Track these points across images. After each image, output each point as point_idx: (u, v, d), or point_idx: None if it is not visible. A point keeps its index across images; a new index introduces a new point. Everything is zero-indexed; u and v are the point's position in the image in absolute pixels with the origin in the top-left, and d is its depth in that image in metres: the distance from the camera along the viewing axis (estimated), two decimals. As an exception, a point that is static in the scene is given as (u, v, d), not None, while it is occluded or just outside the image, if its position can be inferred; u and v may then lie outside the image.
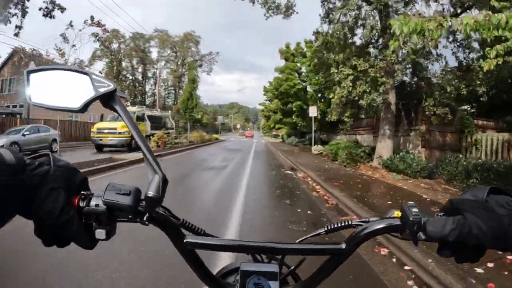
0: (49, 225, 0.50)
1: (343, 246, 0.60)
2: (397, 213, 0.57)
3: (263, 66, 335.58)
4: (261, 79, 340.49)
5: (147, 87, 59.31)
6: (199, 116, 53.20)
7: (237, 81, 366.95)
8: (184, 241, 0.61)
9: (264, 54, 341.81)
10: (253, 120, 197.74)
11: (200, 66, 61.30)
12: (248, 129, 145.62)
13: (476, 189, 0.55)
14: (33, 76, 0.57)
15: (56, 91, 0.57)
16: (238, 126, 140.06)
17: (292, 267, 0.68)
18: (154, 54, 58.72)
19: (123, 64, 53.16)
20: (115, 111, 0.57)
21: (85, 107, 0.56)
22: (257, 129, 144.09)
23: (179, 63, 59.45)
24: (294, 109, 27.81)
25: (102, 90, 0.56)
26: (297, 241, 0.67)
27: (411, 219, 0.53)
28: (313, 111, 20.49)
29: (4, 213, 0.46)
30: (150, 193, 0.52)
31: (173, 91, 60.98)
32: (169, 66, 59.79)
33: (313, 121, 21.27)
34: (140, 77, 56.60)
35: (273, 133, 61.08)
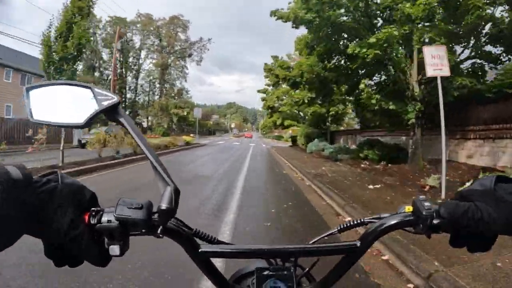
0: (58, 244, 0.49)
1: (358, 243, 0.60)
2: (408, 208, 0.58)
3: (262, 66, 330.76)
4: (261, 79, 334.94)
5: (129, 79, 52.06)
6: (174, 111, 48.10)
7: (237, 82, 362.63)
8: (199, 250, 0.61)
9: (264, 54, 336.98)
10: (251, 121, 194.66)
11: (190, 56, 53.98)
12: (246, 129, 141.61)
13: (483, 178, 0.55)
14: (32, 92, 0.56)
15: (58, 106, 0.56)
16: (233, 125, 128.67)
17: (307, 269, 0.68)
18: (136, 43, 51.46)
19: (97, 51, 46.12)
20: (120, 124, 0.55)
21: (89, 122, 0.55)
22: (256, 129, 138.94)
23: (164, 51, 52.09)
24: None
25: (105, 103, 0.54)
26: (311, 242, 0.67)
27: (424, 213, 0.53)
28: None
29: (11, 232, 0.44)
30: (163, 205, 0.51)
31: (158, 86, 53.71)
32: (153, 56, 52.77)
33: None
34: (119, 69, 49.12)
35: (275, 133, 53.08)
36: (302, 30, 12.69)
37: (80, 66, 16.90)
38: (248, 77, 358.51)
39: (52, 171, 0.52)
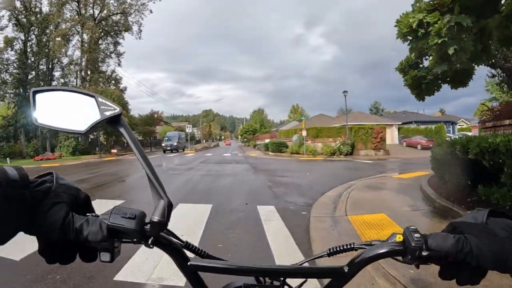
0: (52, 240, 0.52)
1: (346, 269, 0.61)
2: (399, 237, 0.59)
3: (240, 75, 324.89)
4: (238, 88, 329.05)
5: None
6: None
7: (215, 91, 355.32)
8: (188, 263, 0.62)
9: (241, 63, 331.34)
10: (230, 129, 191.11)
11: (127, 30, 41.54)
12: (223, 137, 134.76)
13: (476, 211, 0.57)
14: (39, 96, 0.58)
15: (62, 112, 0.58)
16: (196, 134, 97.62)
17: None
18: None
19: None
20: (121, 134, 0.58)
21: (91, 130, 0.57)
22: (235, 137, 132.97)
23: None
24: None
25: (107, 113, 0.57)
26: (299, 263, 0.68)
27: (413, 244, 0.55)
28: None
29: (8, 228, 0.47)
30: (156, 218, 0.54)
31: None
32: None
33: None
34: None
35: (266, 140, 43.50)
36: None
37: None
38: (227, 86, 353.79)
39: (48, 173, 0.55)
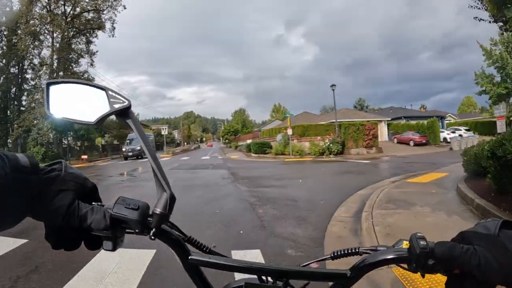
0: (57, 226, 0.53)
1: (348, 273, 0.60)
2: (406, 244, 0.57)
3: (221, 76, 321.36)
4: (219, 90, 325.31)
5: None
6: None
7: (197, 93, 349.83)
8: (189, 258, 0.62)
9: (221, 64, 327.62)
10: (212, 131, 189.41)
11: (100, 28, 38.01)
12: (205, 139, 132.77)
13: (488, 221, 0.54)
14: (52, 88, 0.60)
15: (73, 104, 0.59)
16: (177, 137, 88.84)
17: None
18: None
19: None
20: (129, 126, 0.59)
21: (100, 122, 0.58)
22: (217, 139, 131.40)
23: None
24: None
25: (117, 106, 0.57)
26: (303, 264, 0.67)
27: (418, 251, 0.53)
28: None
29: (17, 212, 0.49)
30: (158, 210, 0.55)
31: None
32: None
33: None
34: None
35: (248, 141, 40.51)
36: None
37: None
38: (208, 88, 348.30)
39: (58, 161, 0.56)
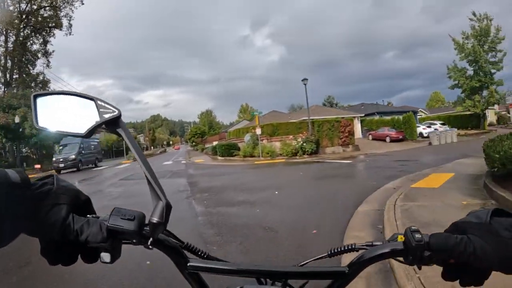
0: (53, 242, 0.52)
1: (346, 270, 0.61)
2: (401, 237, 0.58)
3: (187, 78, 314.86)
4: (186, 92, 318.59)
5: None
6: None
7: (163, 96, 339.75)
8: (188, 264, 0.62)
9: (188, 66, 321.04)
10: (179, 133, 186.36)
11: (57, 26, 35.37)
12: (172, 142, 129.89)
13: (479, 211, 0.55)
14: (39, 100, 0.59)
15: (62, 115, 0.59)
16: (142, 141, 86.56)
17: None
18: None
19: None
20: (120, 136, 0.58)
21: (90, 132, 0.57)
22: (185, 142, 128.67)
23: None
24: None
25: (106, 116, 0.57)
26: (300, 264, 0.67)
27: (413, 244, 0.54)
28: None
29: (9, 230, 0.48)
30: (154, 219, 0.54)
31: None
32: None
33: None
34: None
35: (215, 143, 37.58)
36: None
37: None
38: (174, 90, 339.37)
39: (49, 175, 0.56)
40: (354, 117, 36.01)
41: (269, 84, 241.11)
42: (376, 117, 40.99)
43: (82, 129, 0.57)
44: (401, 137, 29.49)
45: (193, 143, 65.29)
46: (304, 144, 22.19)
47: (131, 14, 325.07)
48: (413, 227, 0.56)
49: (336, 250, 0.65)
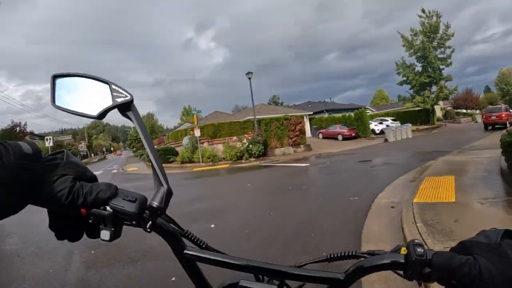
0: (61, 208, 0.53)
1: (342, 277, 0.58)
2: (404, 250, 0.55)
3: (130, 82, 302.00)
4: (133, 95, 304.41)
5: None
6: None
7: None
8: (184, 252, 0.62)
9: (129, 69, 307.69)
10: (122, 139, 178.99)
11: None
12: (113, 148, 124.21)
13: (490, 231, 0.52)
14: (58, 81, 0.61)
15: (77, 97, 0.60)
16: (83, 148, 77.54)
17: None
18: None
19: None
20: (131, 120, 0.59)
21: (102, 115, 0.58)
22: (128, 148, 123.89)
23: None
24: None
25: (119, 100, 0.58)
26: (299, 265, 0.65)
27: (413, 258, 0.51)
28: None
29: (20, 198, 0.49)
30: (154, 204, 0.55)
31: None
32: None
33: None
34: None
35: (166, 144, 33.75)
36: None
37: None
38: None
39: (60, 151, 0.58)
40: (303, 115, 33.82)
41: (213, 87, 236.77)
42: (326, 115, 39.42)
43: (95, 111, 0.57)
44: (354, 134, 27.86)
45: (134, 149, 60.65)
46: (250, 145, 19.38)
47: (69, 16, 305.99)
48: (416, 241, 0.53)
49: (335, 255, 0.64)
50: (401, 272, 0.55)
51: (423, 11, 34.98)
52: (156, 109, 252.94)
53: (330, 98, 62.40)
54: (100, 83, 0.59)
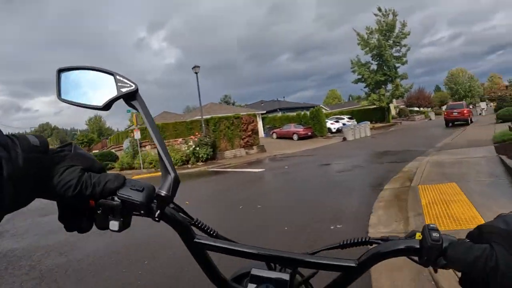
0: (69, 202, 0.53)
1: (355, 264, 0.58)
2: (419, 235, 0.53)
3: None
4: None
5: None
6: None
7: (54, 103, 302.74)
8: (194, 241, 0.62)
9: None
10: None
11: None
12: None
13: (508, 215, 0.47)
14: (63, 74, 0.61)
15: (82, 89, 0.61)
16: None
17: (305, 277, 0.67)
18: None
19: None
20: (137, 110, 0.59)
21: (108, 105, 0.59)
22: None
23: None
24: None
25: (124, 90, 0.58)
26: (311, 252, 0.64)
27: (429, 244, 0.49)
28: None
29: (29, 191, 0.49)
30: (162, 192, 0.54)
31: None
32: None
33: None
34: None
35: (107, 148, 30.59)
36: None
37: None
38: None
39: (68, 143, 0.58)
40: (256, 114, 32.27)
41: (165, 88, 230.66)
42: (279, 114, 38.22)
43: (100, 102, 0.58)
44: (310, 133, 26.66)
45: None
46: (197, 148, 17.41)
47: (23, 13, 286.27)
48: (431, 225, 0.52)
49: (348, 242, 0.62)
50: (416, 259, 0.52)
51: (379, 9, 34.99)
52: (106, 112, 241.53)
53: (284, 97, 61.44)
54: (105, 74, 0.59)
